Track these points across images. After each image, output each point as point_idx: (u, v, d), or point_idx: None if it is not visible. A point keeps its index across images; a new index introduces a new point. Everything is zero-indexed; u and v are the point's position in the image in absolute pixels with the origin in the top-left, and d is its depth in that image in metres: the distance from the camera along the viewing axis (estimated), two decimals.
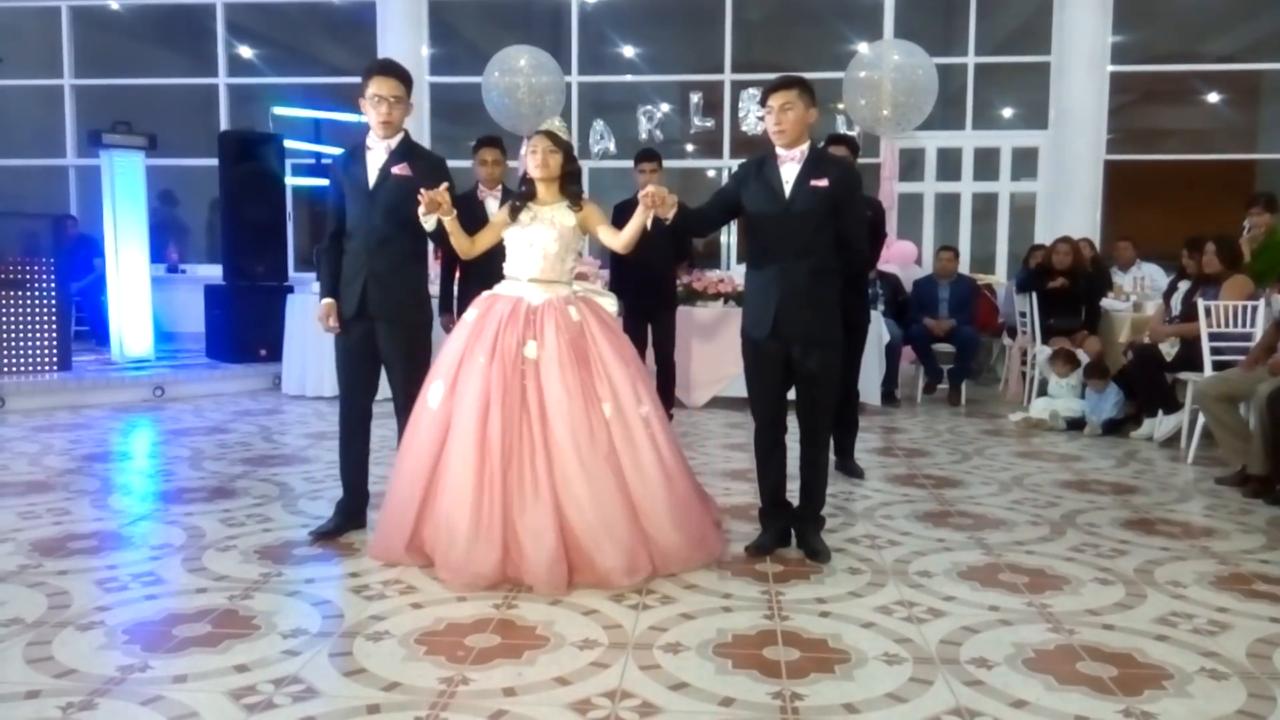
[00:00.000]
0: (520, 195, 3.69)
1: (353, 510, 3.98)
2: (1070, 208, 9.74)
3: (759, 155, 3.75)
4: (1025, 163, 10.29)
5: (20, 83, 10.73)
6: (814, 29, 11.56)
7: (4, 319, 7.26)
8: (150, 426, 6.51)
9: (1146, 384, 6.26)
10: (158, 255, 8.61)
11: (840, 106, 9.58)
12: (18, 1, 11.06)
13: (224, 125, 10.82)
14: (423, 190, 3.48)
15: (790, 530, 3.81)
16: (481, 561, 3.28)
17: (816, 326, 3.61)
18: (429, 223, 3.58)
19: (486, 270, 3.85)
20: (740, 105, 9.05)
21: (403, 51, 10.48)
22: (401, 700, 2.49)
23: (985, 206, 10.33)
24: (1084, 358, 6.92)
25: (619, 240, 3.59)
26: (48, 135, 11.35)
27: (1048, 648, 2.88)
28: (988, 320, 8.79)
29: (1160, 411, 6.18)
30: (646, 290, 5.93)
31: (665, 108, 9.78)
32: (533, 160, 3.63)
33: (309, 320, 6.72)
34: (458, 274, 5.55)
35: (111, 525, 4.09)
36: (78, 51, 11.27)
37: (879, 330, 7.25)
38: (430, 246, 3.99)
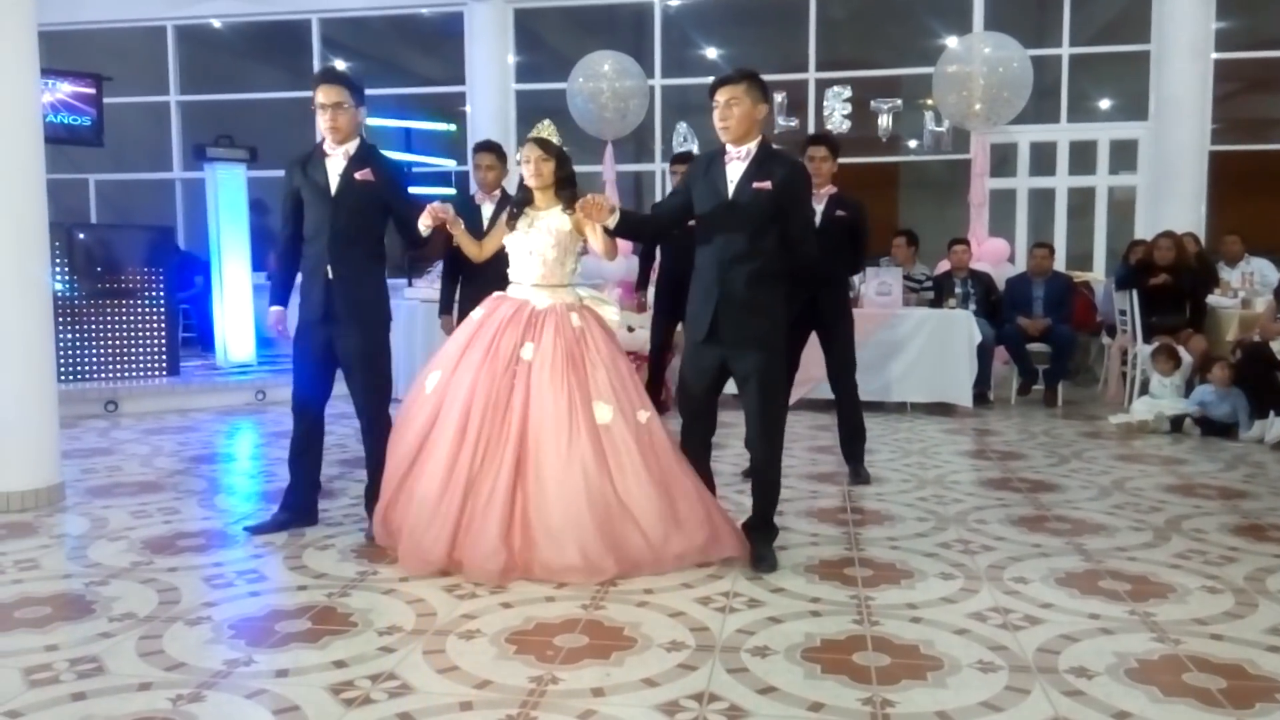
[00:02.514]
0: (518, 202, 3.79)
1: (301, 504, 4.13)
2: (1172, 201, 9.37)
3: (711, 152, 3.70)
4: (1124, 155, 9.94)
5: (129, 100, 11.21)
6: (901, 24, 11.36)
7: (117, 326, 7.60)
8: (253, 429, 6.75)
9: (1257, 383, 6.00)
10: (258, 264, 8.90)
11: (929, 102, 9.41)
12: (126, 22, 11.56)
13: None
14: (430, 206, 3.65)
15: None
16: (429, 548, 3.41)
17: (754, 330, 3.53)
18: (425, 230, 3.71)
19: (487, 273, 3.98)
20: (825, 104, 8.94)
21: (490, 60, 10.68)
22: (493, 698, 2.53)
23: (1082, 201, 10.01)
24: (1186, 357, 6.66)
25: (592, 245, 3.69)
26: (155, 150, 11.85)
27: (1152, 658, 2.78)
28: (1085, 318, 8.53)
29: (1271, 413, 5.92)
30: (681, 291, 5.87)
31: None
32: (526, 170, 3.71)
33: (400, 324, 6.86)
34: (460, 277, 5.50)
35: (218, 524, 4.26)
36: (182, 69, 11.74)
37: (969, 330, 7.09)
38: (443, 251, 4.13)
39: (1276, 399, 5.91)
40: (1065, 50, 10.00)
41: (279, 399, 7.74)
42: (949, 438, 6.31)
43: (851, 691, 2.57)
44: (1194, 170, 9.48)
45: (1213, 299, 7.48)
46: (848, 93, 8.75)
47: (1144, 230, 9.06)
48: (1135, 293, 7.19)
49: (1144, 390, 6.77)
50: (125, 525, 4.20)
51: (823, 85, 9.58)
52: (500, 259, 3.83)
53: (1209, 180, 9.55)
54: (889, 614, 3.13)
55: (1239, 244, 8.29)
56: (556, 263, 3.69)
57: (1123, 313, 7.43)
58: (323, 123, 3.84)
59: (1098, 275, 9.49)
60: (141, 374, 7.68)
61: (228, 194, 8.35)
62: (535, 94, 10.93)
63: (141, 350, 7.70)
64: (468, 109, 10.79)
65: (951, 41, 9.65)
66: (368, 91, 4.07)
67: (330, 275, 3.83)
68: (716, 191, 3.56)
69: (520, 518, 3.41)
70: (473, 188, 5.94)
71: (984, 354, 7.42)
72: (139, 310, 7.68)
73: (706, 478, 3.73)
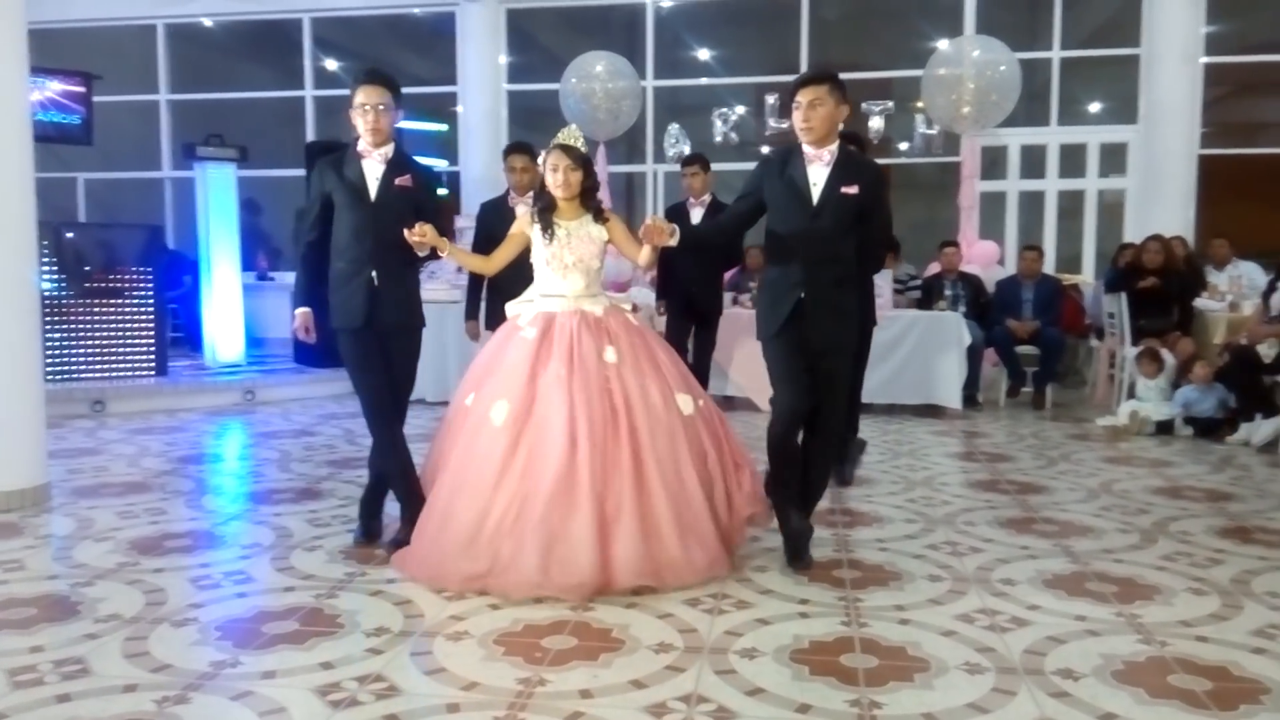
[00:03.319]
0: (541, 211, 3.64)
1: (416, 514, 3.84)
2: (1162, 204, 9.41)
3: (782, 149, 3.61)
4: (1114, 159, 9.97)
5: (119, 99, 11.16)
6: (892, 26, 11.39)
7: (105, 326, 7.56)
8: (241, 429, 6.73)
9: (1244, 386, 6.03)
10: (248, 263, 8.88)
11: (919, 105, 9.43)
12: (116, 21, 11.52)
13: (310, 136, 11.12)
14: (408, 231, 3.50)
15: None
16: (576, 562, 3.20)
17: (839, 335, 3.55)
18: (421, 251, 3.61)
19: (515, 279, 3.81)
20: None
21: (481, 60, 10.66)
22: (481, 700, 2.52)
23: (1071, 204, 10.05)
24: (1169, 359, 6.68)
25: (642, 259, 3.58)
26: (145, 149, 11.81)
27: (1138, 659, 2.79)
28: (1074, 321, 8.55)
29: (1258, 415, 5.94)
30: (695, 295, 5.97)
31: (740, 110, 9.73)
32: (553, 179, 3.57)
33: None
34: (486, 282, 5.36)
35: (205, 525, 4.24)
36: (173, 67, 11.70)
37: (959, 332, 7.11)
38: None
39: (1263, 402, 5.93)
40: (1056, 53, 10.03)
41: (268, 399, 7.75)
42: (938, 440, 6.32)
43: (839, 693, 2.57)
44: (1183, 174, 9.52)
45: (1201, 302, 7.51)
46: None
47: (1133, 233, 9.09)
48: (1124, 296, 7.22)
49: (1132, 393, 6.80)
50: (111, 526, 4.18)
51: None
52: (528, 266, 3.69)
53: (1198, 184, 9.59)
54: (877, 616, 3.13)
55: (1227, 248, 8.33)
56: (597, 273, 3.63)
57: (1111, 315, 7.46)
58: (363, 124, 3.70)
59: (1087, 278, 9.53)
60: (129, 374, 7.64)
61: (217, 193, 8.33)
62: (527, 95, 10.93)
63: (129, 350, 7.67)
64: (459, 109, 10.79)
65: (942, 44, 9.68)
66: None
67: (375, 281, 3.72)
68: (799, 194, 3.47)
69: (645, 523, 3.29)
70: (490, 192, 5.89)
71: (974, 356, 7.45)
72: (127, 310, 7.64)
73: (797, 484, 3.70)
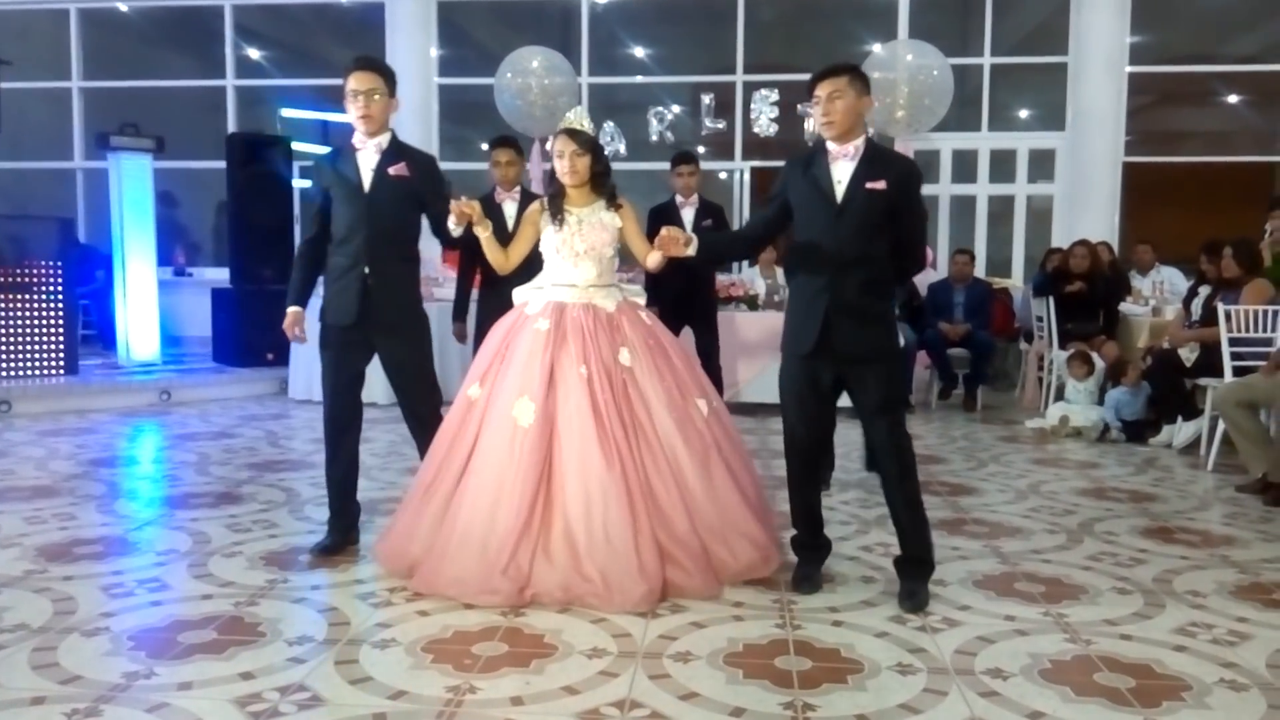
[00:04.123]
0: (551, 198, 3.51)
1: (348, 525, 3.80)
2: (1088, 210, 9.65)
3: (806, 152, 3.39)
4: (1042, 165, 10.21)
5: (28, 85, 10.76)
6: (827, 29, 11.51)
7: (11, 322, 7.26)
8: (156, 431, 6.51)
9: (1166, 390, 6.19)
10: (164, 258, 8.61)
11: None
12: (27, 4, 11.09)
13: (231, 127, 10.84)
14: (455, 204, 3.38)
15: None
16: (630, 573, 3.13)
17: (871, 341, 3.25)
18: (456, 231, 3.46)
19: (510, 279, 3.69)
20: (753, 106, 8.98)
21: (411, 53, 10.49)
22: (408, 709, 2.46)
23: (1001, 209, 10.26)
24: (1099, 362, 6.84)
25: (650, 262, 3.44)
26: (55, 138, 11.39)
27: (1064, 658, 2.82)
28: (1004, 325, 8.72)
29: (1180, 418, 6.10)
30: (683, 297, 5.81)
31: (676, 109, 9.72)
32: (560, 165, 3.45)
33: (316, 324, 6.69)
34: (479, 280, 5.32)
35: (117, 530, 4.08)
36: (86, 54, 11.31)
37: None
38: (439, 250, 3.92)
39: (1185, 404, 6.09)
40: (986, 60, 10.23)
41: (185, 399, 7.52)
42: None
43: (773, 696, 2.56)
44: (1108, 180, 9.79)
45: (1125, 307, 7.70)
46: (775, 95, 8.80)
47: (1060, 238, 9.31)
48: (1051, 300, 7.36)
49: (1060, 395, 6.94)
50: (18, 532, 4.00)
51: (750, 87, 9.64)
52: (527, 265, 3.57)
53: (1122, 190, 9.86)
54: (811, 618, 3.12)
55: (1150, 253, 8.56)
56: (610, 261, 3.48)
57: (1039, 319, 7.61)
58: (354, 111, 3.57)
59: (1016, 282, 9.72)
60: (37, 372, 7.36)
61: (132, 185, 8.05)
62: (460, 89, 10.78)
63: (37, 347, 7.37)
64: None
65: (876, 48, 9.78)
66: (281, 82, 3.86)
67: (368, 278, 3.57)
68: (822, 193, 3.24)
69: (673, 528, 3.23)
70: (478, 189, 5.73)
71: (906, 359, 7.53)
72: (35, 305, 7.35)
73: (817, 518, 3.51)
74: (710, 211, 6.05)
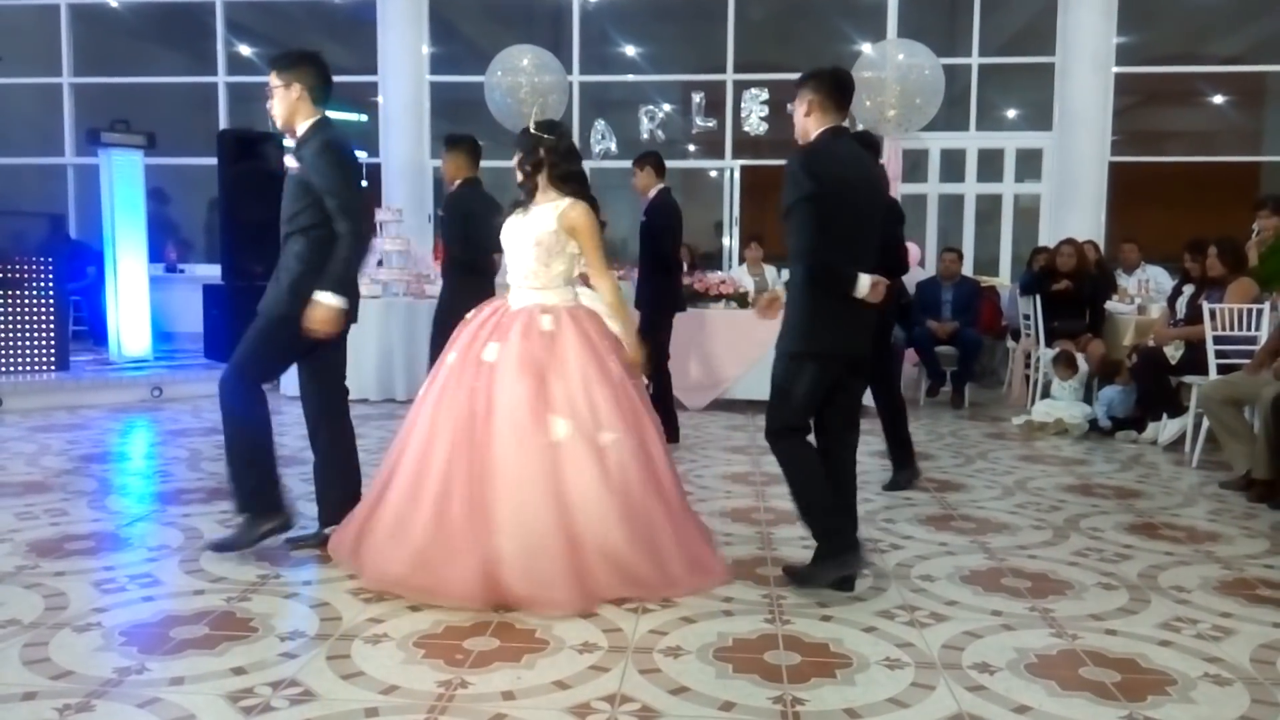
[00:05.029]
0: (527, 192, 3.48)
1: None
2: (1075, 209, 9.71)
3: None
4: (1029, 164, 10.26)
5: (19, 81, 10.72)
6: (817, 28, 11.54)
7: (2, 318, 7.23)
8: (148, 427, 6.49)
9: (1151, 387, 6.23)
10: (156, 255, 8.59)
11: None
12: (17, 0, 11.05)
13: (223, 124, 10.81)
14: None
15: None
16: (385, 567, 3.19)
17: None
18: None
19: (478, 285, 3.71)
20: (743, 105, 9.02)
21: (403, 50, 10.49)
22: (400, 704, 2.47)
23: (989, 208, 10.31)
24: (1084, 363, 6.89)
25: (603, 287, 3.42)
26: (46, 134, 11.35)
27: (1050, 653, 2.86)
28: (991, 323, 8.76)
29: (1165, 415, 6.15)
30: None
31: (667, 108, 9.75)
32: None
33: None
34: (455, 284, 5.30)
35: (109, 526, 4.07)
36: (77, 50, 11.26)
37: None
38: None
39: (1170, 402, 6.14)
40: (975, 60, 10.28)
41: (176, 395, 7.50)
42: (860, 439, 6.38)
43: (763, 690, 2.58)
44: (1094, 180, 9.84)
45: (1111, 305, 7.75)
46: (765, 95, 8.83)
47: (1047, 237, 9.36)
48: (1038, 298, 7.41)
49: (1046, 393, 6.99)
50: (9, 527, 3.99)
51: (740, 86, 9.67)
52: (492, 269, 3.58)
53: (1108, 190, 9.92)
54: (800, 613, 3.15)
55: (1136, 252, 8.61)
56: (539, 263, 3.35)
57: (1026, 317, 7.66)
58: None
59: (1004, 280, 9.77)
60: (28, 368, 7.32)
61: (123, 181, 8.03)
62: (451, 86, 10.78)
63: (28, 343, 7.34)
64: (379, 99, 10.59)
65: (866, 47, 9.83)
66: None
67: (278, 268, 3.62)
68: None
69: (482, 538, 3.11)
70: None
71: (895, 356, 7.56)
72: (25, 301, 7.31)
73: (852, 513, 3.48)
74: (647, 211, 6.00)
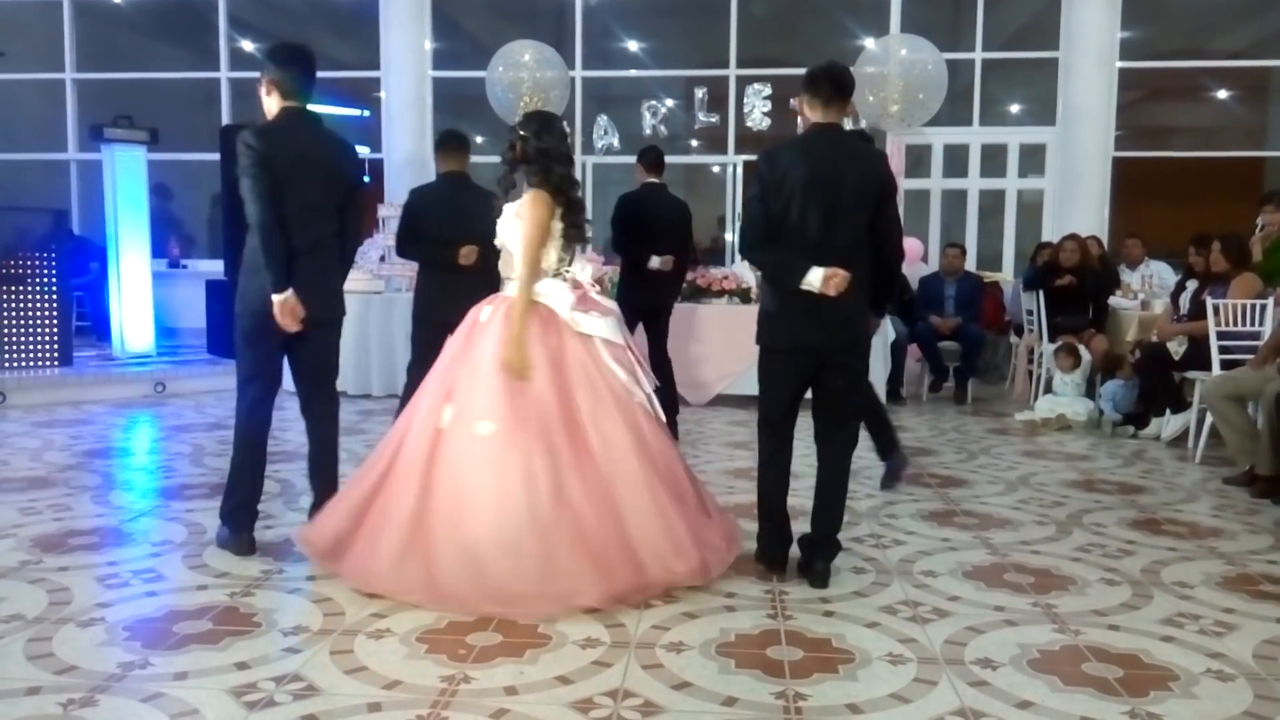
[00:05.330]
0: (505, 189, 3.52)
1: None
2: (1078, 205, 9.68)
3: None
4: (1033, 159, 10.23)
5: (22, 76, 10.71)
6: (820, 23, 11.52)
7: (5, 314, 7.23)
8: (151, 422, 6.51)
9: (1154, 383, 6.22)
10: (159, 250, 8.58)
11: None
12: None
13: (226, 119, 10.80)
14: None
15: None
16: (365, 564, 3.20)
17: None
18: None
19: (457, 282, 3.70)
20: (745, 100, 9.00)
21: (406, 46, 10.47)
22: (403, 699, 2.48)
23: (992, 203, 10.29)
24: (1086, 355, 6.88)
25: (521, 256, 3.31)
26: (49, 129, 11.35)
27: (1053, 648, 2.86)
28: (994, 318, 8.75)
29: (1168, 410, 6.14)
30: (650, 291, 5.83)
31: (670, 103, 9.73)
32: None
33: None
34: (431, 280, 5.21)
35: (112, 521, 4.08)
36: (80, 45, 11.25)
37: (883, 328, 7.21)
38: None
39: (1173, 397, 6.13)
40: (978, 55, 10.24)
41: (179, 391, 7.52)
42: (862, 434, 6.37)
43: (765, 685, 2.58)
44: (1098, 175, 9.81)
45: (1114, 300, 7.73)
46: (768, 90, 8.81)
47: (1051, 232, 9.34)
48: (1041, 293, 7.40)
49: (1049, 388, 6.98)
50: (13, 522, 4.00)
51: (743, 81, 9.65)
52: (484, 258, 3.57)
53: (1112, 185, 9.89)
54: (802, 608, 3.15)
55: (1139, 247, 8.59)
56: (507, 252, 3.40)
57: (1029, 313, 7.65)
58: None
59: (1007, 276, 9.75)
60: (31, 364, 7.33)
61: (126, 177, 8.02)
62: (453, 82, 10.76)
63: (31, 339, 7.34)
64: (382, 95, 10.58)
65: (869, 42, 9.80)
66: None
67: None
68: None
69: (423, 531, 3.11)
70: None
71: (898, 352, 7.57)
72: (29, 297, 7.31)
73: (783, 519, 3.51)
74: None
